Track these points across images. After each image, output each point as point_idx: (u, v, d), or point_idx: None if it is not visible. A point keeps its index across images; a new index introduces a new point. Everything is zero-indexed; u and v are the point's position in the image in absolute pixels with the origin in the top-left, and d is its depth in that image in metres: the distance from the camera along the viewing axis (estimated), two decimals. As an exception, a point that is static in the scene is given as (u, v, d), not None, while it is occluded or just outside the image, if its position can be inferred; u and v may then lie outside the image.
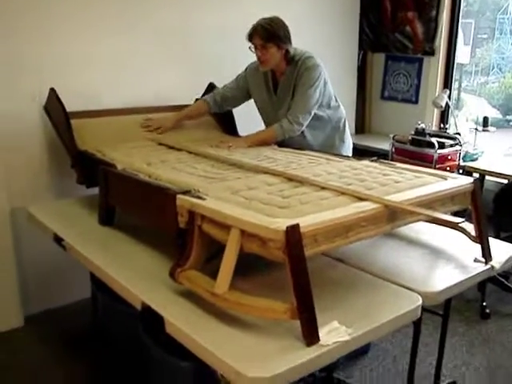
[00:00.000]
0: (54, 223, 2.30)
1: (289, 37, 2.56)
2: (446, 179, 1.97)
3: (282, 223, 1.39)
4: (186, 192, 1.72)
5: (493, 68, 4.81)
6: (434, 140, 3.26)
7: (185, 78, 3.30)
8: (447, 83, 3.97)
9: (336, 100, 2.78)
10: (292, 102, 2.61)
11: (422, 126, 3.41)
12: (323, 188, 1.80)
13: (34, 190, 2.91)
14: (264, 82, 2.74)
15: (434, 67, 3.94)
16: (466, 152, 3.44)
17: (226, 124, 3.02)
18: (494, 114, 4.42)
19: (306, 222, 1.42)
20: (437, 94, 3.91)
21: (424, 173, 2.06)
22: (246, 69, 2.84)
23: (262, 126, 3.00)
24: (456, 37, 3.90)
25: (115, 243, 2.09)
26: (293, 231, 1.35)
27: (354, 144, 3.00)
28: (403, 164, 2.25)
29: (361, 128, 4.42)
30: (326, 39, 3.94)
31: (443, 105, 3.59)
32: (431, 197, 1.76)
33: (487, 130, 3.57)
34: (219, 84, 3.08)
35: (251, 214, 1.51)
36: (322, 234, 1.45)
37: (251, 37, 2.55)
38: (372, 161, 2.26)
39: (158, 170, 2.06)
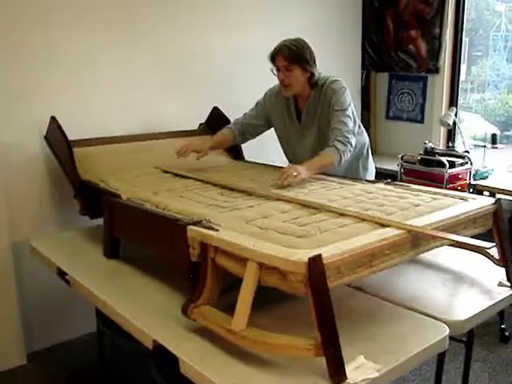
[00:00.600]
0: (57, 257, 2.21)
1: (314, 59, 2.39)
2: (466, 200, 1.89)
3: (303, 254, 1.31)
4: (197, 222, 1.64)
5: (488, 85, 4.81)
6: (443, 159, 3.19)
7: (188, 103, 3.24)
8: (453, 101, 3.92)
9: (359, 125, 2.59)
10: (331, 128, 2.37)
11: (431, 145, 3.34)
12: (341, 214, 1.71)
13: (36, 222, 2.83)
14: (286, 109, 2.55)
15: (439, 85, 3.89)
16: (477, 170, 3.36)
17: (231, 149, 2.95)
18: (492, 130, 4.36)
19: (328, 252, 1.34)
20: (443, 112, 3.86)
21: (442, 194, 1.98)
22: (265, 94, 2.64)
23: (270, 152, 2.95)
24: (460, 54, 3.86)
25: (122, 277, 2.00)
26: (315, 263, 1.26)
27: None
28: (418, 186, 2.18)
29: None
30: (327, 60, 3.87)
31: (451, 123, 3.53)
32: (454, 220, 1.68)
33: (496, 147, 3.51)
34: (224, 109, 3.02)
35: (268, 245, 1.42)
36: (346, 265, 1.36)
37: (274, 58, 2.36)
38: (386, 183, 2.19)
39: (165, 200, 1.98)
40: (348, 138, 2.32)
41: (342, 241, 1.45)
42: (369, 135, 4.30)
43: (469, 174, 3.29)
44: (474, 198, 1.89)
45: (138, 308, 1.72)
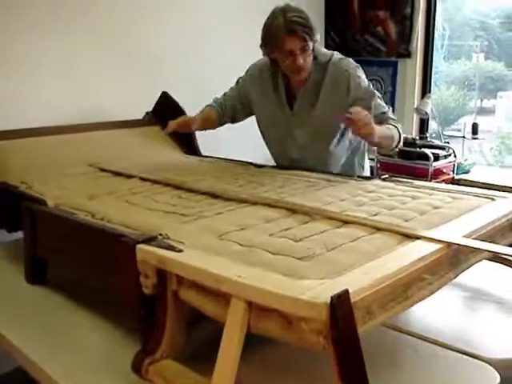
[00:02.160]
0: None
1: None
2: (492, 199, 1.50)
3: (319, 290, 0.87)
4: (151, 239, 1.16)
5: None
6: (428, 152, 2.83)
7: (133, 88, 2.72)
8: (425, 88, 3.58)
9: None
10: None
11: (412, 136, 2.98)
12: (345, 222, 1.28)
13: None
14: (273, 91, 2.02)
15: (411, 71, 3.54)
16: (459, 164, 3.03)
17: (185, 142, 2.47)
18: (434, 126, 4.16)
19: (353, 284, 0.90)
20: (415, 100, 3.51)
21: (459, 192, 1.58)
22: (247, 71, 2.11)
23: (228, 147, 2.47)
24: (433, 36, 3.53)
25: (49, 313, 1.49)
26: (341, 303, 0.82)
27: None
28: (422, 181, 1.78)
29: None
30: None
31: (428, 111, 3.18)
32: (493, 227, 1.28)
33: (476, 138, 3.19)
34: (174, 95, 2.53)
35: (260, 274, 0.97)
36: (378, 301, 0.92)
37: (284, 42, 1.79)
38: (384, 180, 1.78)
39: (104, 207, 1.49)
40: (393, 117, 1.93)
41: (363, 263, 1.01)
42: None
43: (452, 167, 2.96)
44: (505, 197, 1.50)
45: (72, 361, 1.23)
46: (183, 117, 2.11)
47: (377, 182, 1.75)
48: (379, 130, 1.75)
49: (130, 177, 1.89)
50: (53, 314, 1.48)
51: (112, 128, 2.39)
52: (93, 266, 1.34)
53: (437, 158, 2.83)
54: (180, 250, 1.09)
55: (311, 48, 1.84)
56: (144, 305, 1.16)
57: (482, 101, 4.50)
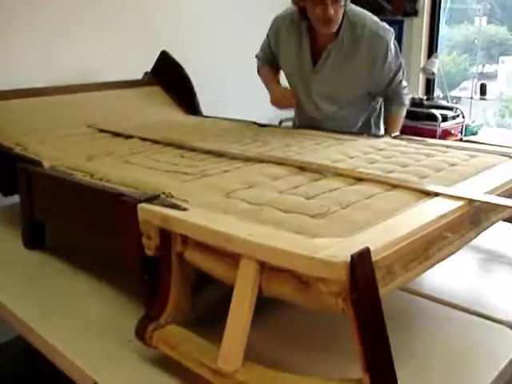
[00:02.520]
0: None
1: None
2: (510, 157, 1.42)
3: (336, 248, 0.80)
4: (153, 198, 1.09)
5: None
6: (436, 112, 2.74)
7: (131, 48, 2.60)
8: (432, 47, 3.46)
9: None
10: (390, 89, 1.93)
11: (419, 95, 2.88)
12: (359, 179, 1.21)
13: None
14: (297, 45, 1.91)
15: (418, 30, 3.41)
16: (467, 125, 2.94)
17: (186, 102, 2.38)
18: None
19: (373, 241, 0.83)
20: (422, 60, 3.40)
21: (474, 150, 1.51)
22: (273, 22, 2.00)
23: (229, 108, 2.37)
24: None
25: (48, 277, 1.43)
26: (361, 262, 0.76)
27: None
28: (434, 139, 1.71)
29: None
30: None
31: (435, 71, 3.07)
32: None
33: (484, 99, 3.09)
34: (175, 54, 2.43)
35: (272, 232, 0.90)
36: (399, 260, 0.86)
37: None
38: (395, 137, 1.70)
39: (103, 167, 1.41)
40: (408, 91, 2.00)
41: (380, 221, 0.95)
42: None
43: (460, 128, 2.87)
44: (524, 154, 1.42)
45: (71, 327, 1.17)
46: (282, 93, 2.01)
47: (387, 139, 1.68)
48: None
49: (129, 137, 1.81)
50: (51, 279, 1.42)
51: (111, 88, 2.29)
52: (92, 229, 1.27)
53: (445, 118, 2.74)
54: (184, 209, 1.02)
55: (343, 1, 1.73)
56: (147, 268, 1.10)
57: (483, 66, 4.39)
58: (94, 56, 2.47)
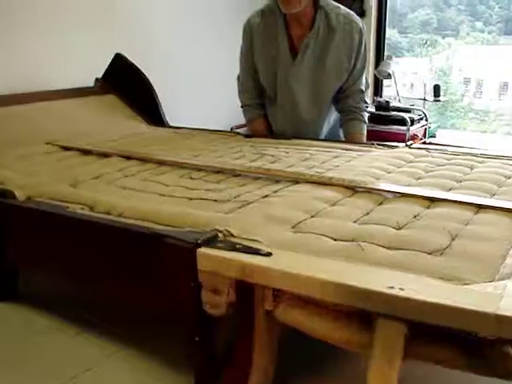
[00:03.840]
0: None
1: None
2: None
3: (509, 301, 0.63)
4: (211, 239, 0.85)
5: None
6: (405, 116, 2.67)
7: (83, 52, 2.26)
8: (380, 48, 3.41)
9: None
10: (355, 89, 1.77)
11: (386, 98, 2.79)
12: (431, 200, 1.04)
13: None
14: (273, 40, 1.75)
15: (367, 30, 3.34)
16: (428, 127, 2.90)
17: (149, 110, 2.10)
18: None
19: None
20: (371, 59, 3.33)
21: (495, 157, 1.40)
22: (244, 30, 1.82)
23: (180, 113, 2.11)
24: (386, -7, 3.35)
25: (33, 336, 1.13)
26: None
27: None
28: (450, 147, 1.59)
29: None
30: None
31: (391, 73, 3.00)
32: None
33: (438, 100, 3.07)
34: (130, 56, 2.14)
35: (414, 279, 0.70)
36: None
37: None
38: (410, 147, 1.56)
39: (100, 195, 1.14)
40: (367, 103, 1.83)
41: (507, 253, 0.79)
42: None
43: (424, 131, 2.82)
44: None
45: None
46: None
47: (405, 149, 1.54)
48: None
49: (105, 155, 1.53)
50: (37, 337, 1.12)
51: (62, 97, 1.97)
52: (110, 277, 1.00)
53: (412, 122, 2.67)
54: (268, 254, 0.79)
55: None
56: (200, 328, 0.86)
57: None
58: (38, 61, 2.11)
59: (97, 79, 2.19)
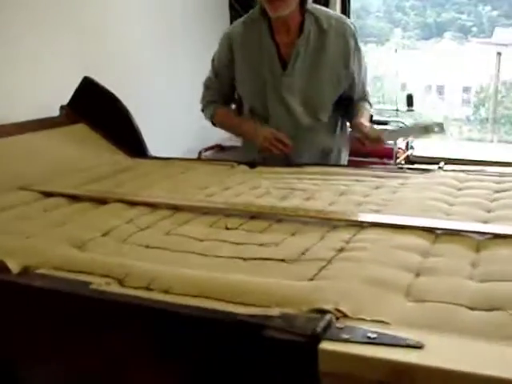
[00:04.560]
0: None
1: None
2: None
3: None
4: (326, 327, 0.64)
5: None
6: (388, 128, 2.55)
7: (44, 77, 1.97)
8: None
9: None
10: (357, 90, 1.66)
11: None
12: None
13: None
14: (258, 49, 1.63)
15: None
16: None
17: (129, 141, 1.85)
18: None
19: None
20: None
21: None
22: (225, 36, 1.70)
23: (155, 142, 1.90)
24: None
25: None
26: None
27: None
28: (489, 167, 1.44)
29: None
30: (191, 13, 2.95)
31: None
32: None
33: (412, 110, 2.99)
34: (100, 79, 1.89)
35: None
36: None
37: None
38: (444, 170, 1.41)
39: (129, 260, 0.90)
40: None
41: None
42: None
43: (406, 144, 2.72)
44: None
45: None
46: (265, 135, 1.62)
47: (440, 173, 1.38)
48: (367, 120, 1.64)
49: (100, 201, 1.28)
50: None
51: (26, 131, 1.68)
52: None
53: (398, 134, 2.56)
54: (419, 345, 0.59)
55: None
56: None
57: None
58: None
59: (62, 107, 1.91)
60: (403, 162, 2.59)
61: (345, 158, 1.83)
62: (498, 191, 1.19)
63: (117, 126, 1.85)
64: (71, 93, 1.88)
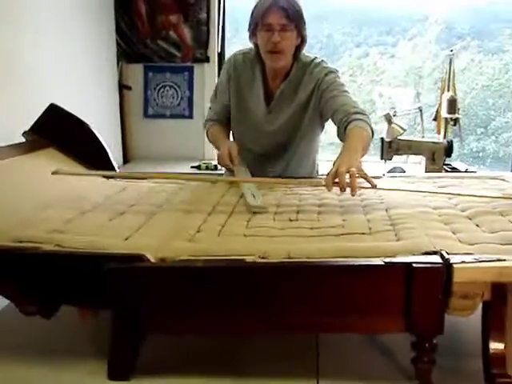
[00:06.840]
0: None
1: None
2: None
3: None
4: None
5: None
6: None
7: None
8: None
9: None
10: (336, 108, 1.76)
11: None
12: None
13: None
14: (249, 87, 1.93)
15: (211, 75, 3.63)
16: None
17: (100, 163, 1.99)
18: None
19: None
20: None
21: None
22: (230, 61, 1.98)
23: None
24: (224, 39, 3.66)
25: None
26: None
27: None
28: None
29: (124, 156, 3.69)
30: (77, 51, 3.07)
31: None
32: None
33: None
34: (64, 105, 2.02)
35: None
36: None
37: (268, 12, 1.74)
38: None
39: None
40: (363, 109, 1.74)
41: None
42: (124, 139, 3.66)
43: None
44: None
45: None
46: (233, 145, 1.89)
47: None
48: (356, 150, 1.53)
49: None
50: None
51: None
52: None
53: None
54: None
55: (294, 34, 1.80)
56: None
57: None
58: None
59: (25, 133, 1.98)
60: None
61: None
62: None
63: (86, 149, 1.98)
64: None
